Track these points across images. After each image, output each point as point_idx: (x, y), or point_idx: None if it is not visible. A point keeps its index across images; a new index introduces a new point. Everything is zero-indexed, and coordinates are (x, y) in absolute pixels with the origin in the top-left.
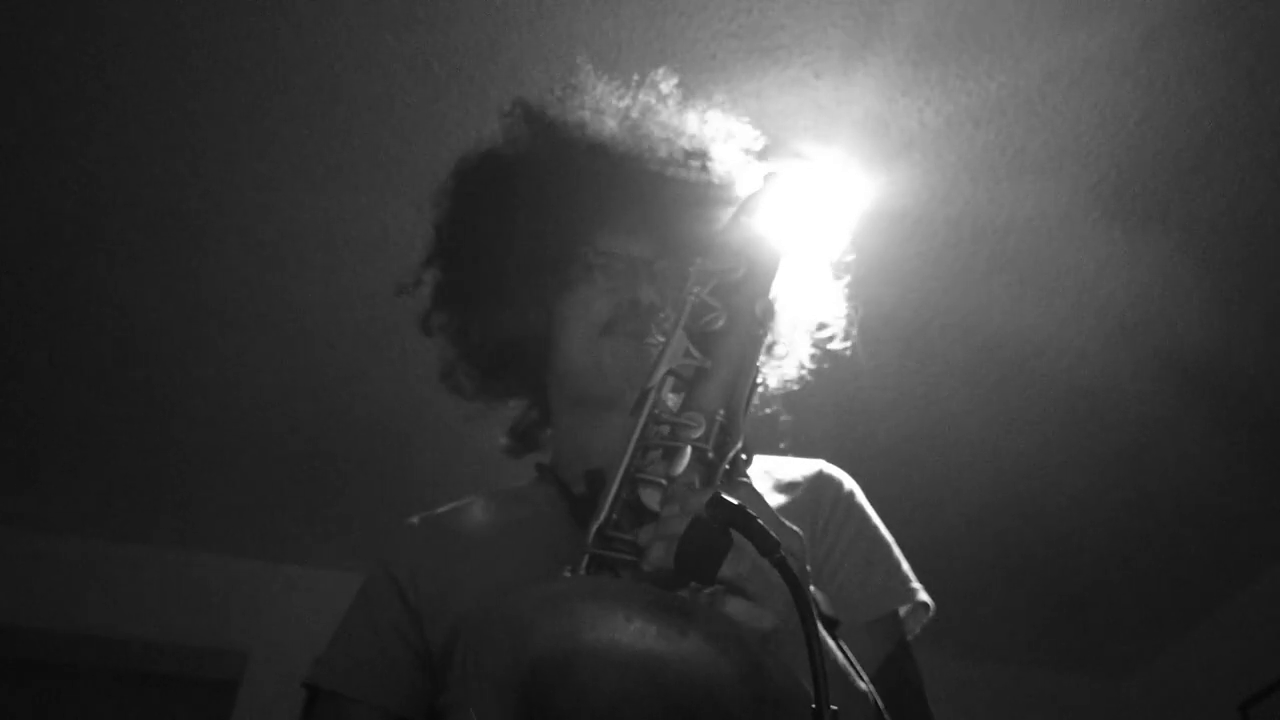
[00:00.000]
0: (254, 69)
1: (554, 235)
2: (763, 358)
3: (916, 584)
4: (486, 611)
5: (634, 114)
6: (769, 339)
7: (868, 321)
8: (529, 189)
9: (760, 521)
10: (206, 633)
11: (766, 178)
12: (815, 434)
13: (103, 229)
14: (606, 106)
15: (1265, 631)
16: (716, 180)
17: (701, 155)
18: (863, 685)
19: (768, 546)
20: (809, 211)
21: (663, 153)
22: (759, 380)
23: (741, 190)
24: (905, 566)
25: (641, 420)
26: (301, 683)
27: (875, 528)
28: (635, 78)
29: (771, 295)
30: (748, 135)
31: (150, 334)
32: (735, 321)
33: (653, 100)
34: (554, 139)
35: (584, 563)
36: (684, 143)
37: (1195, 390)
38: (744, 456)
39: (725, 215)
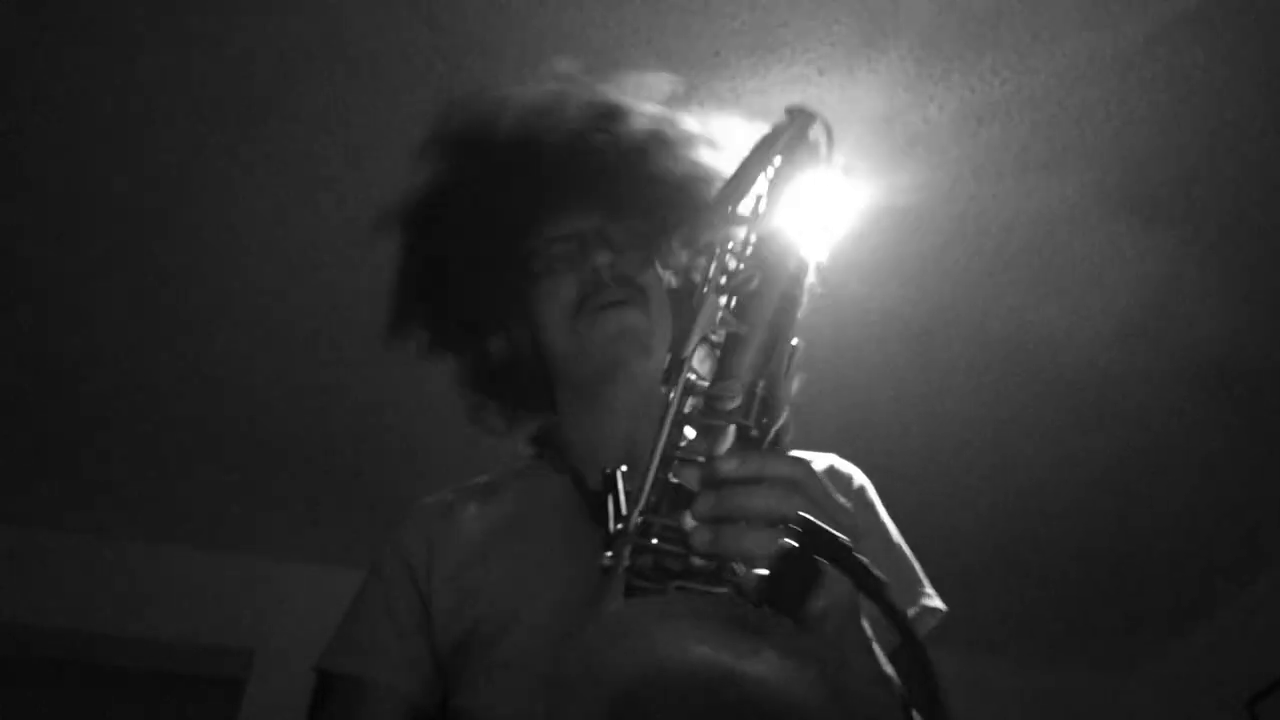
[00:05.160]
0: (255, 67)
1: (506, 248)
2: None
3: (929, 588)
4: (560, 649)
5: (540, 102)
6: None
7: (872, 319)
8: (466, 216)
9: (859, 556)
10: (213, 631)
11: (792, 113)
12: (819, 432)
13: (104, 228)
14: (512, 103)
15: (1273, 628)
16: (636, 132)
17: (615, 113)
18: (888, 669)
19: (870, 585)
20: (836, 151)
21: (576, 125)
22: (797, 344)
23: (667, 136)
24: (917, 568)
25: (676, 394)
26: (314, 667)
27: (886, 527)
28: (539, 70)
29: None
30: (664, 84)
31: (156, 333)
32: (770, 281)
33: (557, 84)
34: (469, 159)
35: (627, 553)
36: (596, 109)
37: (1202, 386)
38: (786, 429)
39: (657, 161)
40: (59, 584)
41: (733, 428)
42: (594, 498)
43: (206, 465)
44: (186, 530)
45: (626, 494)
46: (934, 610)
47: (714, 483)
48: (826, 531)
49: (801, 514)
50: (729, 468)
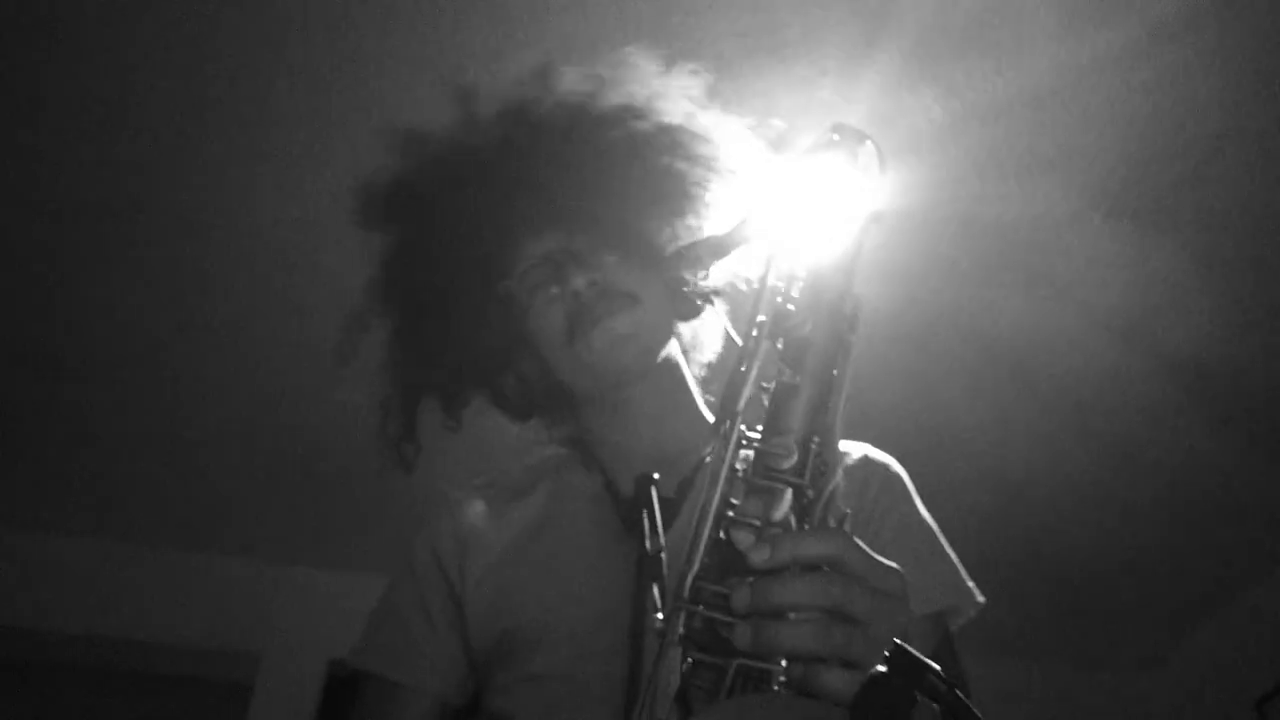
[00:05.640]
0: (259, 72)
1: (482, 296)
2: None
3: (969, 580)
4: None
5: (456, 133)
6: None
7: (873, 320)
8: (432, 279)
9: (957, 692)
10: (220, 634)
11: (838, 129)
12: None
13: (121, 232)
14: (432, 145)
15: None
16: (557, 132)
17: (530, 120)
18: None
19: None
20: (884, 169)
21: (497, 148)
22: (847, 394)
23: (592, 107)
24: (953, 557)
25: (729, 451)
26: (350, 664)
27: (922, 516)
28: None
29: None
30: (572, 73)
31: (161, 336)
32: (823, 326)
33: (462, 97)
34: (410, 221)
35: (681, 619)
36: (510, 120)
37: (1206, 387)
38: (841, 489)
39: (592, 153)
40: (66, 588)
41: (790, 492)
42: (626, 503)
43: (214, 470)
44: (194, 534)
45: (660, 501)
46: (976, 603)
47: (749, 573)
48: (917, 659)
49: (898, 644)
50: (761, 558)
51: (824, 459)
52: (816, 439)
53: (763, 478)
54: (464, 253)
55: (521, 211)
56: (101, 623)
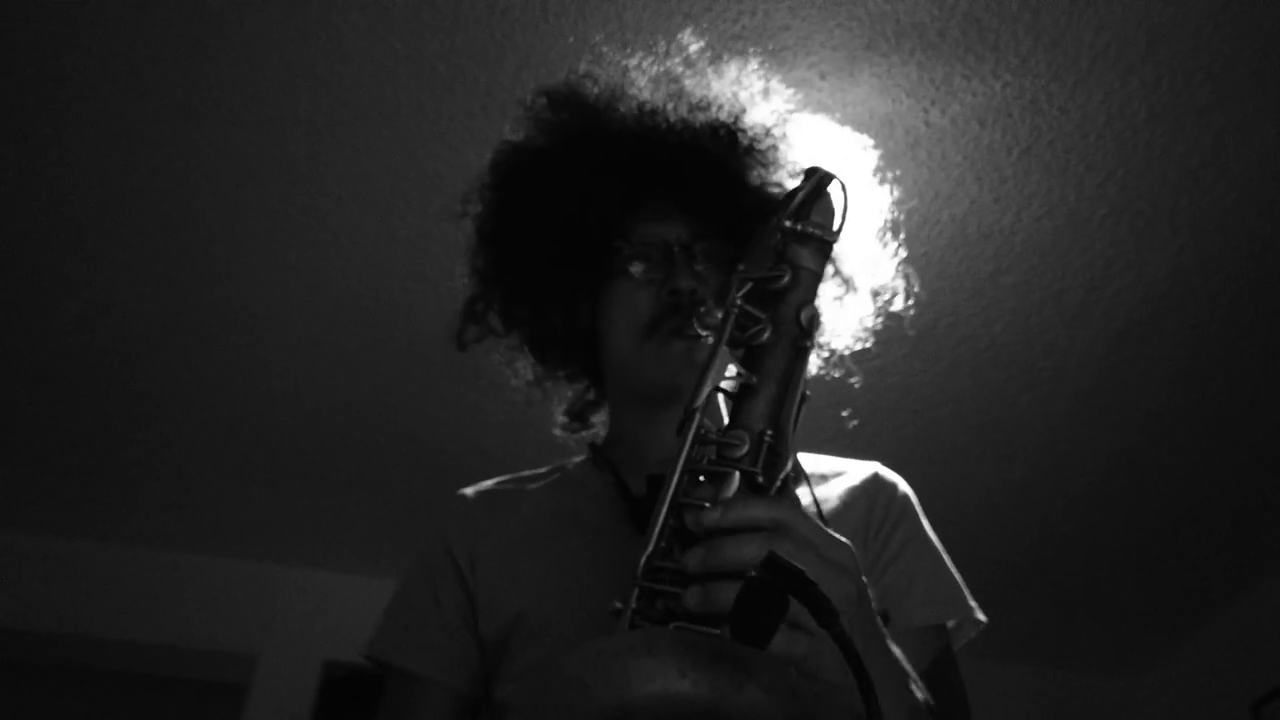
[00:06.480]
0: (259, 74)
1: (585, 227)
2: (809, 370)
3: (971, 600)
4: (538, 677)
5: (657, 92)
6: (814, 349)
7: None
8: (556, 181)
9: (819, 588)
10: (216, 636)
11: (809, 173)
12: (822, 435)
13: (119, 232)
14: (628, 87)
15: (1277, 631)
16: (749, 147)
17: (731, 126)
18: (920, 695)
19: (826, 618)
20: (853, 209)
21: (692, 126)
22: (806, 394)
23: (780, 154)
24: (957, 578)
25: (687, 444)
26: (365, 654)
27: (928, 536)
28: (660, 42)
29: (817, 303)
30: (783, 93)
31: (163, 337)
32: (780, 333)
33: (679, 68)
34: (576, 127)
35: (634, 595)
36: (713, 114)
37: (1204, 389)
38: (793, 476)
39: (763, 181)
40: (62, 589)
41: (738, 475)
42: (635, 502)
43: (213, 471)
44: (191, 535)
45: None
46: (976, 622)
47: (702, 535)
48: (786, 565)
49: (770, 551)
50: (713, 519)
51: (776, 450)
52: (770, 432)
53: (715, 464)
54: (598, 186)
55: (672, 187)
56: (99, 624)
